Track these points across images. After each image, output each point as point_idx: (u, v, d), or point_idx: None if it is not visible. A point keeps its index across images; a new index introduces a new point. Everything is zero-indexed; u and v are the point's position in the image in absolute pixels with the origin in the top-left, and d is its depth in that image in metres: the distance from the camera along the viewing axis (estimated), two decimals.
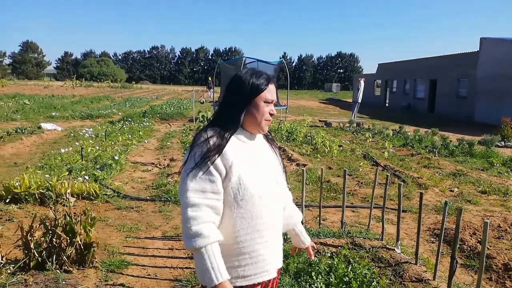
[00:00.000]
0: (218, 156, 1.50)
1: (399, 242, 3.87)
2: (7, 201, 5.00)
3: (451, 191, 6.66)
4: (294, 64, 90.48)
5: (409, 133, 13.03)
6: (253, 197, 1.53)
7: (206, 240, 1.44)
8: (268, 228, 1.58)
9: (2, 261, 3.27)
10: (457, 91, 22.98)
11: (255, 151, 1.63)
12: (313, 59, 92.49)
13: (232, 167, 1.51)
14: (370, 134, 12.50)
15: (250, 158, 1.58)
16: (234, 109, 1.59)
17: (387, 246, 3.93)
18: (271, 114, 1.64)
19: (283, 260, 3.43)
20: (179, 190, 1.54)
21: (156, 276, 3.43)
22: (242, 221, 1.53)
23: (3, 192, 5.10)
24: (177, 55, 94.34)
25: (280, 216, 1.71)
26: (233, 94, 1.61)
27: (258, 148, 1.66)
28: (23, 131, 10.88)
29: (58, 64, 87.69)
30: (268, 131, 1.77)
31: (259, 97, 1.59)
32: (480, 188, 6.80)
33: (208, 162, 1.48)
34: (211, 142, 1.51)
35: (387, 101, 33.28)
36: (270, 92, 1.62)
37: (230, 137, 1.55)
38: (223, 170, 1.51)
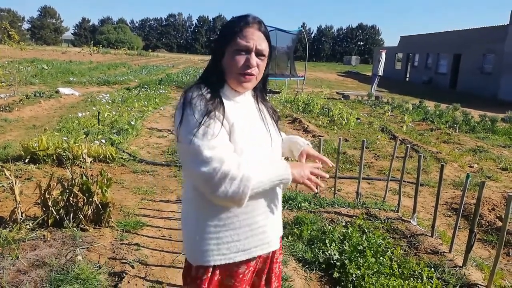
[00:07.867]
0: (223, 110, 1.30)
1: (416, 214, 3.80)
2: (26, 161, 5.10)
3: (470, 167, 6.51)
4: (313, 35, 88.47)
5: (429, 108, 12.71)
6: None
7: (248, 181, 1.26)
8: (267, 197, 1.45)
9: (22, 217, 3.34)
10: (482, 67, 22.13)
11: (249, 113, 1.45)
12: (332, 30, 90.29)
13: (233, 128, 1.33)
14: (389, 108, 12.22)
15: (246, 120, 1.40)
16: (213, 61, 1.40)
17: (403, 218, 3.88)
18: (248, 66, 1.33)
19: (297, 227, 3.44)
20: (186, 159, 1.30)
21: (170, 237, 3.47)
22: None
23: (22, 152, 5.19)
24: (194, 23, 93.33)
25: None
26: (214, 43, 1.42)
27: (253, 109, 1.48)
28: (42, 95, 10.97)
29: (76, 30, 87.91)
30: (264, 92, 1.54)
31: (231, 43, 1.33)
32: (501, 165, 6.63)
33: (214, 118, 1.28)
34: (208, 97, 1.30)
35: (408, 76, 32.42)
36: (246, 37, 1.32)
37: (218, 92, 1.35)
38: (228, 128, 1.33)
